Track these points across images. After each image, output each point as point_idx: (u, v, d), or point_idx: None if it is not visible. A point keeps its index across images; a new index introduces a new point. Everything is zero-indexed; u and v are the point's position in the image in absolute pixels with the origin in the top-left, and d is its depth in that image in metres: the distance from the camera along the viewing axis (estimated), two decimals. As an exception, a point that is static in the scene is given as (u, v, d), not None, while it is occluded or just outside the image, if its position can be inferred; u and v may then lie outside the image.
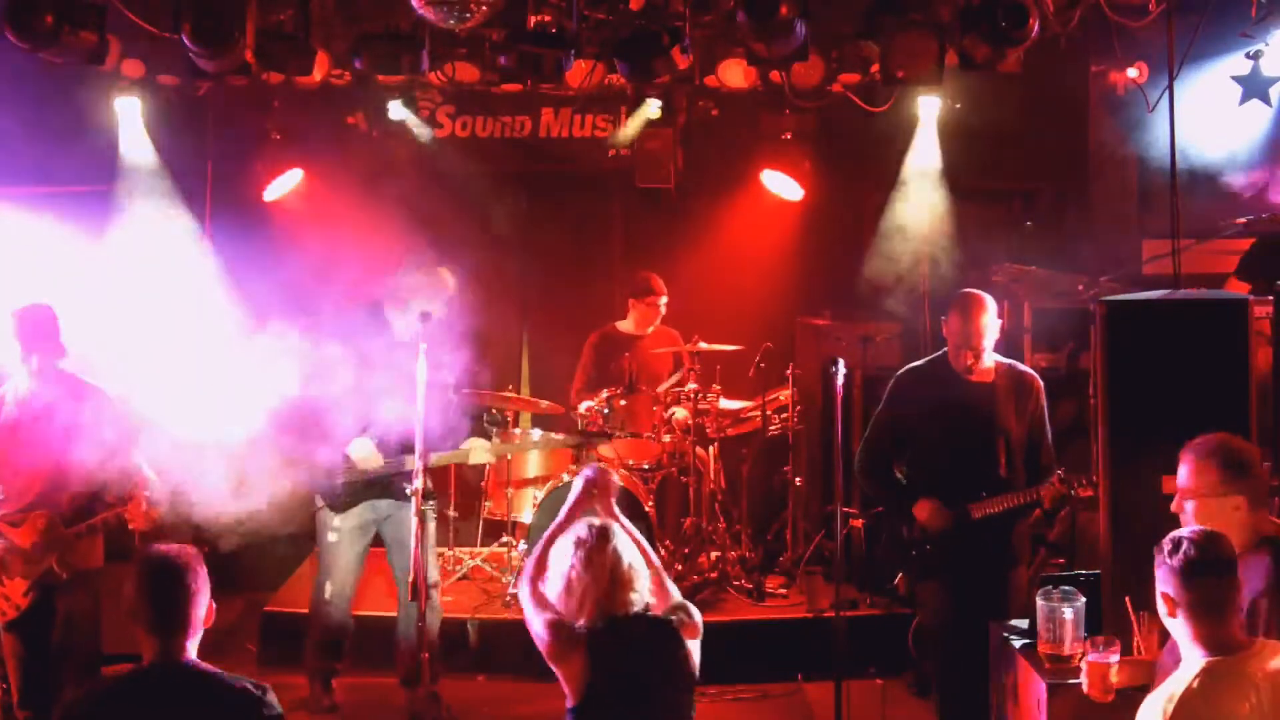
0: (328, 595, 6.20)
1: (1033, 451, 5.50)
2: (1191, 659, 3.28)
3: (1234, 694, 3.19)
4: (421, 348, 5.54)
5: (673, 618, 3.95)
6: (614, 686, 3.83)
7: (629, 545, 3.96)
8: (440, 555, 7.69)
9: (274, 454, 5.94)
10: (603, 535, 3.92)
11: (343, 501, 6.13)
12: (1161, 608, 3.33)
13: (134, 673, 3.40)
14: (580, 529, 3.96)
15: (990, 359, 5.53)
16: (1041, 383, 5.61)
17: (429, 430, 5.58)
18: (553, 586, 3.93)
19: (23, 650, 5.51)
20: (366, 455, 6.06)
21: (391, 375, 5.77)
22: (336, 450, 6.00)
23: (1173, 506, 3.86)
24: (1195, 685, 3.20)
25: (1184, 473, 3.87)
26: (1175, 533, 3.37)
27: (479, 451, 6.54)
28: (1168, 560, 3.28)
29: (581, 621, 3.85)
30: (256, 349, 5.76)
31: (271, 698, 3.38)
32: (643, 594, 3.93)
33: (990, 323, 5.47)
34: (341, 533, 6.16)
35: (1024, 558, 5.72)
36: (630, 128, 8.14)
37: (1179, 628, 3.30)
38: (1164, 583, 3.30)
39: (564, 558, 3.92)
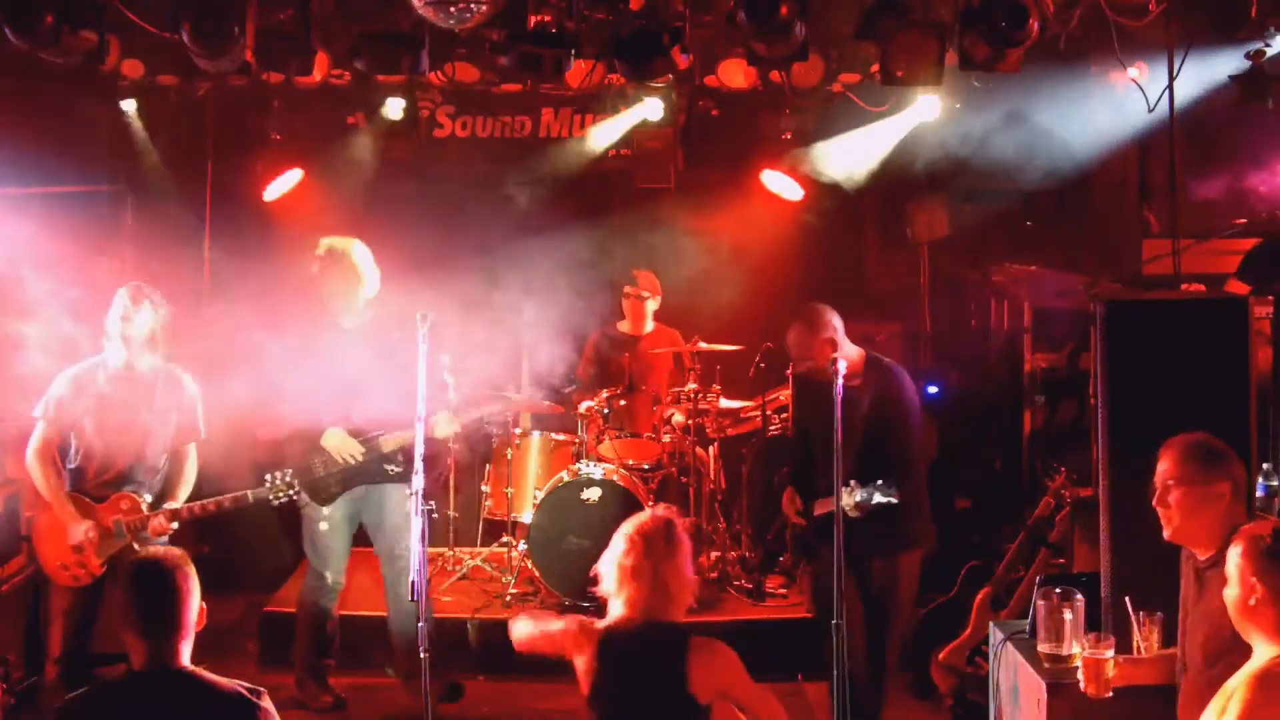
0: (330, 583, 6.35)
1: (877, 448, 5.46)
2: None
3: None
4: (422, 349, 5.53)
5: (690, 636, 3.95)
6: (615, 690, 3.91)
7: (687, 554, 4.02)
8: (440, 555, 7.71)
9: (257, 460, 6.25)
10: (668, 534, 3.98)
11: (329, 494, 6.24)
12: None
13: (126, 677, 3.36)
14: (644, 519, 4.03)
15: (844, 364, 5.04)
16: (901, 379, 5.64)
17: (392, 411, 5.77)
18: (607, 574, 4.00)
19: (78, 611, 5.65)
20: (339, 444, 6.17)
21: (347, 363, 6.02)
22: (311, 445, 6.16)
23: (1155, 500, 3.86)
24: None
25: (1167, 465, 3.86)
26: None
27: (443, 424, 6.39)
28: None
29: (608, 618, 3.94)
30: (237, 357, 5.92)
31: (266, 702, 3.35)
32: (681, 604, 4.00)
33: (801, 340, 5.58)
34: (332, 522, 6.29)
35: (884, 546, 5.60)
36: (628, 127, 8.15)
37: None
38: None
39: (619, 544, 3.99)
